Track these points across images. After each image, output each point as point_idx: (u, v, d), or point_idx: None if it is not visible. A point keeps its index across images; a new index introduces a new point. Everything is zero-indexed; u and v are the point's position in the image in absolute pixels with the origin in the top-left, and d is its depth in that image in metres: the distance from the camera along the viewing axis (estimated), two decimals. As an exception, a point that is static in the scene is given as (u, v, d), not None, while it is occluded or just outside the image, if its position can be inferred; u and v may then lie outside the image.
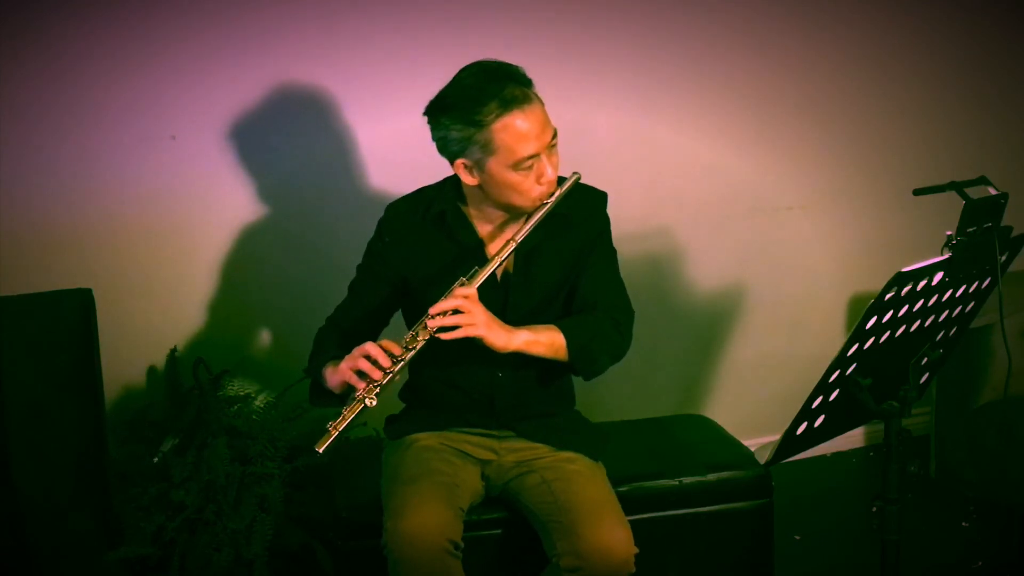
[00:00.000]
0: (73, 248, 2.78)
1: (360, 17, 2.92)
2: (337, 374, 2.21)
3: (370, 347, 2.15)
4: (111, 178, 2.79)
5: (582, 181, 2.30)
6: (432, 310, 2.16)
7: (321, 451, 2.09)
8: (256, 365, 3.00)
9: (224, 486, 2.63)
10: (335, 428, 2.10)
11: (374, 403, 2.13)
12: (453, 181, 2.34)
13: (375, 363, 2.14)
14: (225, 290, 2.95)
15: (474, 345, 2.19)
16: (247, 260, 2.96)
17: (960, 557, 3.03)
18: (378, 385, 2.13)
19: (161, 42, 2.76)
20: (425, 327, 2.16)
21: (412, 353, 2.16)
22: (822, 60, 3.45)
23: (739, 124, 3.40)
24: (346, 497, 2.46)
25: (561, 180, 2.26)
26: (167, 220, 2.86)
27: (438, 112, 2.21)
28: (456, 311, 2.15)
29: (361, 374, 2.15)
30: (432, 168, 3.03)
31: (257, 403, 2.91)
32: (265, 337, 3.04)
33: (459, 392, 2.39)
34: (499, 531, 2.41)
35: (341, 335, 2.38)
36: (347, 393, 2.25)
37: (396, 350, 2.15)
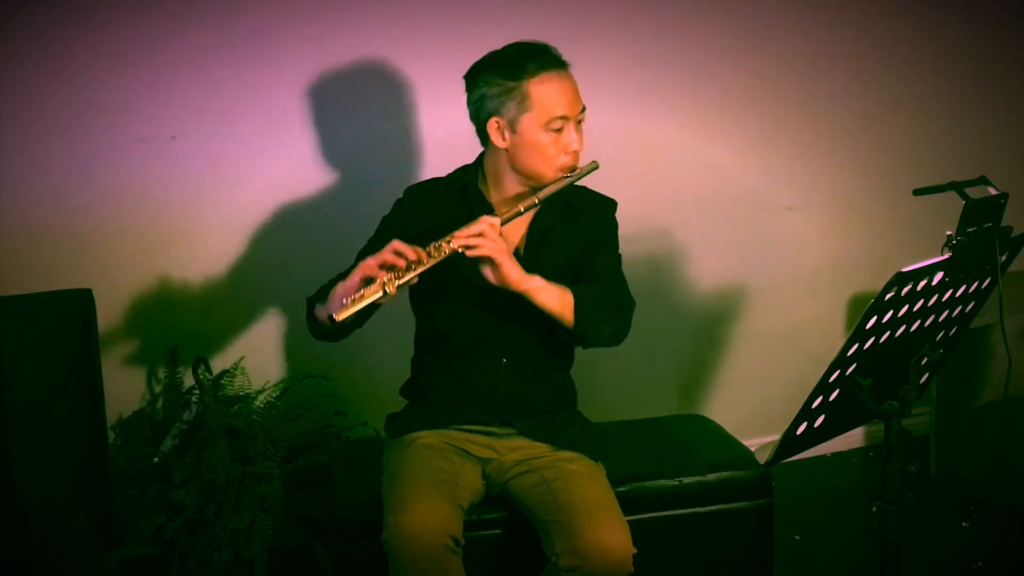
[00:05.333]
0: (73, 248, 2.78)
1: (357, 17, 2.92)
2: (357, 270, 2.21)
3: (396, 244, 2.20)
4: (111, 178, 2.79)
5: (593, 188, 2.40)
6: (457, 233, 2.21)
7: (340, 319, 2.14)
8: (256, 365, 3.00)
9: (224, 486, 2.63)
10: (352, 301, 2.15)
11: (393, 292, 2.16)
12: (476, 162, 2.43)
13: (401, 257, 2.19)
14: (225, 290, 2.95)
15: (479, 329, 2.28)
16: (247, 260, 2.96)
17: (960, 557, 3.03)
18: (400, 277, 2.17)
19: (161, 41, 2.76)
20: (449, 242, 2.21)
21: (433, 262, 2.20)
22: (822, 60, 3.46)
23: (739, 124, 3.40)
24: (346, 497, 2.46)
25: None
26: (167, 220, 2.86)
27: (478, 70, 2.32)
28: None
29: (385, 269, 2.19)
30: (434, 169, 3.04)
31: (257, 403, 2.91)
32: (265, 337, 3.04)
33: (462, 382, 2.41)
34: (499, 531, 2.41)
35: None
36: (344, 326, 2.25)
37: (422, 254, 2.20)
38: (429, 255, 2.20)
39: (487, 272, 2.23)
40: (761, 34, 3.36)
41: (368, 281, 2.19)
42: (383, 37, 2.95)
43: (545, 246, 2.39)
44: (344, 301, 2.16)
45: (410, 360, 2.53)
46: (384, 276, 2.18)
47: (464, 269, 2.29)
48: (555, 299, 2.27)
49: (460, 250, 2.20)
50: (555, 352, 2.43)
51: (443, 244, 2.21)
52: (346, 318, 2.15)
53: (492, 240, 2.20)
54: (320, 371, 3.00)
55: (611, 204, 2.48)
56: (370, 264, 2.20)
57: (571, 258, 2.41)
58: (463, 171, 2.45)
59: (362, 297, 2.15)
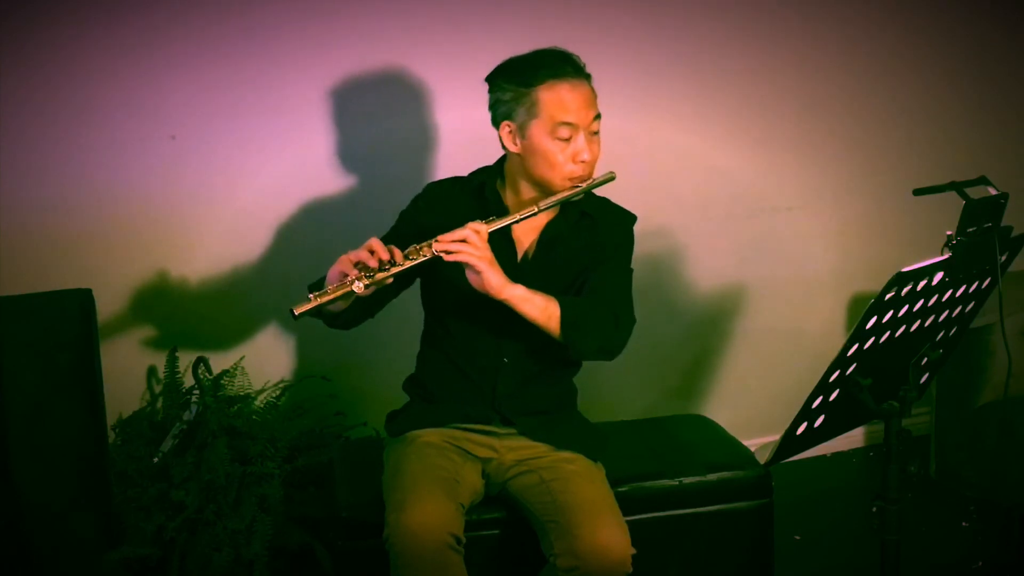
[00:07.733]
0: (73, 248, 2.78)
1: (357, 17, 2.92)
2: (337, 264, 2.21)
3: (374, 241, 2.20)
4: (111, 178, 2.79)
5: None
6: (441, 237, 2.20)
7: (297, 314, 2.14)
8: (256, 365, 3.00)
9: (224, 486, 2.63)
10: (316, 298, 2.15)
11: (360, 290, 2.15)
12: (498, 163, 2.43)
13: (375, 256, 2.18)
14: (225, 290, 2.95)
15: (482, 328, 2.29)
16: (247, 260, 2.96)
17: (960, 557, 3.03)
18: (371, 276, 2.16)
19: (160, 41, 2.76)
20: (431, 245, 2.20)
21: (411, 264, 2.19)
22: (823, 60, 3.45)
23: (739, 124, 3.40)
24: (346, 497, 2.46)
25: None
26: (167, 220, 2.86)
27: (497, 74, 2.33)
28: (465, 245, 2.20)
29: (359, 267, 2.19)
30: (434, 169, 3.03)
31: (257, 403, 2.91)
32: (265, 337, 3.04)
33: (463, 377, 2.41)
34: (498, 531, 2.41)
35: None
36: (352, 314, 2.31)
37: (398, 255, 2.19)
38: (407, 257, 2.20)
39: (471, 277, 2.21)
40: (762, 34, 3.35)
41: (345, 276, 2.19)
42: (386, 36, 2.95)
43: (554, 253, 2.38)
44: (311, 296, 2.16)
45: (412, 360, 2.53)
46: (355, 274, 2.17)
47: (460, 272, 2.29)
48: (538, 309, 2.25)
49: (440, 254, 2.19)
50: (556, 357, 2.40)
51: (423, 247, 2.21)
52: (303, 313, 2.15)
53: (474, 246, 2.18)
54: (320, 371, 3.00)
55: (629, 217, 2.46)
56: (346, 260, 2.20)
57: (580, 267, 2.39)
58: (483, 171, 2.45)
59: (325, 294, 2.15)
